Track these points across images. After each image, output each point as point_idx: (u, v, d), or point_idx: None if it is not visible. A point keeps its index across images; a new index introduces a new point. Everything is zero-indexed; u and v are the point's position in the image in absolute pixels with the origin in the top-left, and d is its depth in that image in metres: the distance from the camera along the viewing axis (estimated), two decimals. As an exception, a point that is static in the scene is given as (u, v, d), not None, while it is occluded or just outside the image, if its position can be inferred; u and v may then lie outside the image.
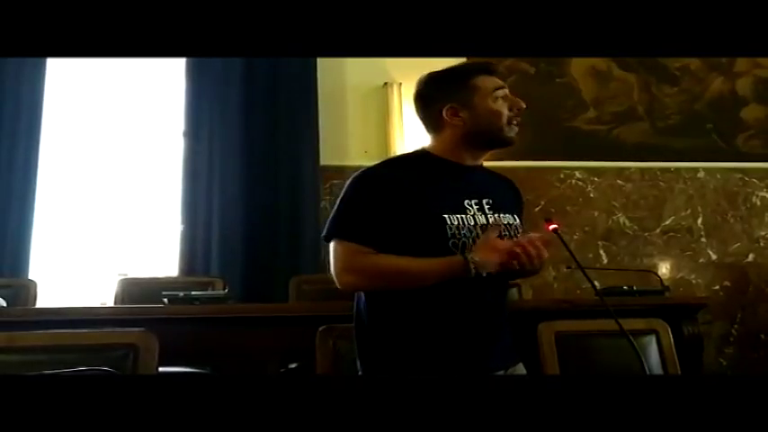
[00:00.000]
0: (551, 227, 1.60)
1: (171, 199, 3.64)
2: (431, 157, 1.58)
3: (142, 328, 1.60)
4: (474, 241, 1.47)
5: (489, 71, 1.59)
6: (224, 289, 2.77)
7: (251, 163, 3.58)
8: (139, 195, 3.71)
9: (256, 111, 3.65)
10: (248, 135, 3.61)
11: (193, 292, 2.30)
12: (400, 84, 3.80)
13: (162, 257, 3.61)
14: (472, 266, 1.40)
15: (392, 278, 1.47)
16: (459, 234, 1.47)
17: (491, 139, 1.57)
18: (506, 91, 1.58)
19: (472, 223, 1.49)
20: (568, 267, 3.34)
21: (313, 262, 3.45)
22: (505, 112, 1.55)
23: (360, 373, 1.53)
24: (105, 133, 3.74)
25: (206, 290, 2.74)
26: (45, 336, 1.62)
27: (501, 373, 1.51)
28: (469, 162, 1.58)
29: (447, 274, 1.43)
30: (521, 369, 1.58)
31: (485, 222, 1.50)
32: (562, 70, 4.06)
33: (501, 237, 1.49)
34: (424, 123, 1.62)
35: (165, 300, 2.23)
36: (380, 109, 3.82)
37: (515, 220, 1.58)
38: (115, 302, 2.85)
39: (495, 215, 1.53)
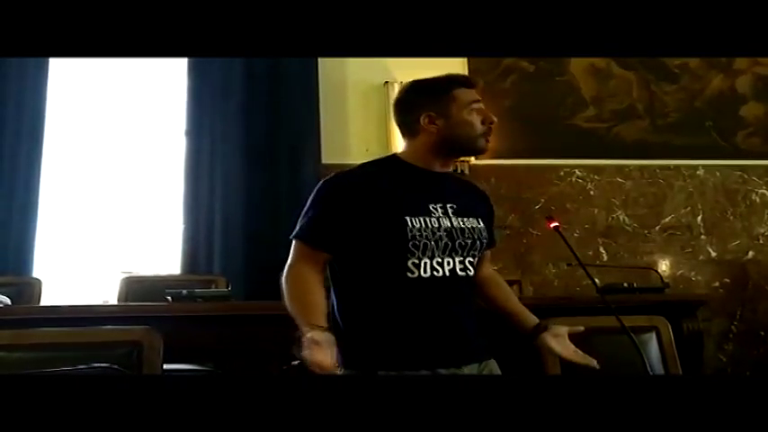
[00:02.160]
0: (552, 225, 1.64)
1: (173, 198, 3.65)
2: (400, 162, 1.67)
3: (147, 326, 1.61)
4: (436, 243, 1.54)
5: (468, 85, 1.68)
6: (227, 287, 2.78)
7: (252, 162, 3.60)
8: (142, 194, 3.73)
9: (258, 109, 3.66)
10: (250, 134, 3.63)
11: (196, 290, 2.31)
12: (401, 82, 3.81)
13: (164, 256, 3.62)
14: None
15: (288, 298, 1.55)
16: (421, 236, 1.54)
17: (462, 148, 1.68)
18: (481, 105, 1.66)
19: (436, 225, 1.56)
20: (569, 264, 3.36)
21: (314, 260, 3.46)
22: (478, 123, 1.63)
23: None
24: (108, 132, 3.76)
25: (208, 288, 2.76)
26: (51, 333, 1.64)
27: (475, 366, 1.57)
28: (438, 169, 1.66)
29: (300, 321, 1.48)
30: (493, 365, 1.63)
31: (449, 225, 1.58)
32: (562, 68, 4.06)
33: (464, 241, 1.58)
34: (401, 128, 1.70)
35: (169, 297, 2.24)
36: (381, 107, 3.82)
37: (479, 223, 1.65)
38: (119, 300, 2.87)
39: (460, 219, 1.61)
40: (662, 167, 4.05)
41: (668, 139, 4.08)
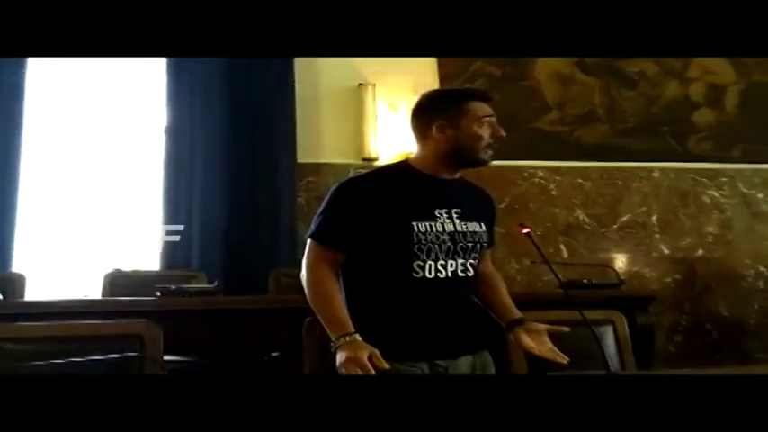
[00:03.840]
0: (524, 231, 1.79)
1: (152, 195, 3.70)
2: (410, 169, 1.77)
3: (147, 320, 1.70)
4: (440, 247, 1.67)
5: (484, 99, 1.76)
6: (209, 282, 2.89)
7: (231, 160, 3.67)
8: (121, 191, 3.77)
9: (236, 109, 3.72)
10: (228, 133, 3.69)
11: (184, 286, 2.42)
12: (374, 85, 3.92)
13: (143, 251, 3.67)
14: (332, 349, 1.59)
15: (312, 304, 1.69)
16: (426, 240, 1.67)
17: (466, 159, 1.75)
18: (493, 119, 1.73)
19: (441, 230, 1.69)
20: (532, 262, 3.53)
21: (290, 255, 3.52)
22: (486, 137, 1.71)
23: None
24: (87, 130, 3.78)
25: (190, 283, 2.86)
26: (54, 327, 1.72)
27: (469, 357, 1.72)
28: (445, 176, 1.76)
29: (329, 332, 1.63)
30: (486, 356, 1.78)
31: (453, 229, 1.70)
32: (526, 74, 4.19)
33: (466, 244, 1.71)
34: (414, 133, 1.80)
35: (158, 293, 2.35)
36: (355, 109, 3.92)
37: (481, 228, 1.77)
38: (102, 295, 2.94)
39: (463, 223, 1.73)
40: (620, 169, 4.21)
41: (626, 142, 4.24)
